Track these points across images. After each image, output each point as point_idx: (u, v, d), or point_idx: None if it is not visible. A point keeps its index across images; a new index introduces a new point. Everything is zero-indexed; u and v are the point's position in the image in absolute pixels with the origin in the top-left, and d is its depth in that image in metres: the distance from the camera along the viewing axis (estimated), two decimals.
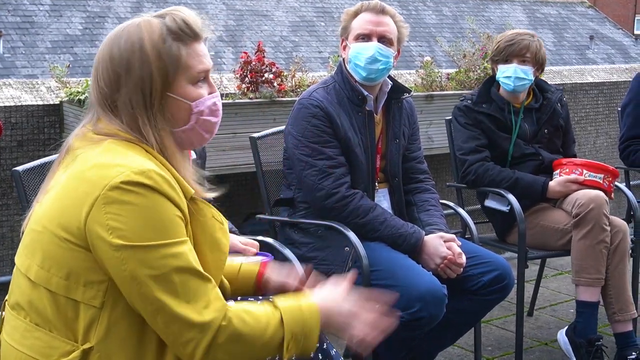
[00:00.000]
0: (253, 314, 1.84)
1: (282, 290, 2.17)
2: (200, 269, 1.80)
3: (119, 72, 1.85)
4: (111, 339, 1.77)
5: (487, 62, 4.13)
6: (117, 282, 1.75)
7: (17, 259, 1.88)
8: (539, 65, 3.88)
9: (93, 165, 1.77)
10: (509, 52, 3.83)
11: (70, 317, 1.77)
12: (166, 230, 1.74)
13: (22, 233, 1.92)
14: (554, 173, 3.84)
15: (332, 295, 1.98)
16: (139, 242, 1.72)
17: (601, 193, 3.66)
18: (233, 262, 2.23)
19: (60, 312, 1.78)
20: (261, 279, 2.22)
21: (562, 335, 3.78)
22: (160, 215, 1.74)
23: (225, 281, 2.13)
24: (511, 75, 3.82)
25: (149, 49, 1.85)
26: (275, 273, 2.24)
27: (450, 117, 4.05)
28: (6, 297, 1.94)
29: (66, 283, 1.77)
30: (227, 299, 1.89)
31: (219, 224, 1.94)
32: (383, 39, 3.19)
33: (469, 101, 3.91)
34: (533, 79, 3.88)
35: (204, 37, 1.94)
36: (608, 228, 3.60)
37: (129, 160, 1.77)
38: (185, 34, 1.90)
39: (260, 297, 2.15)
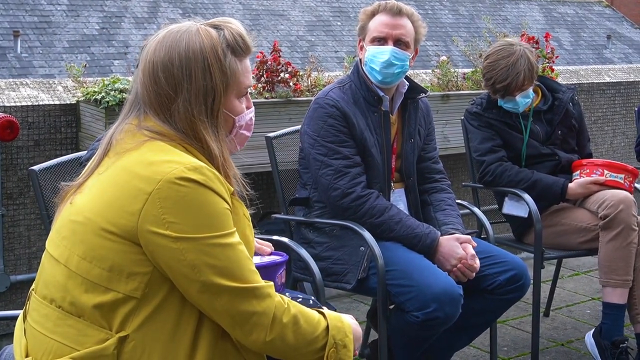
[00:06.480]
0: (306, 310, 1.92)
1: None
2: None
3: (180, 78, 1.87)
4: (147, 329, 1.79)
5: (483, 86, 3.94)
6: (172, 273, 1.78)
7: (52, 249, 1.89)
8: (535, 77, 3.81)
9: (144, 161, 1.81)
10: (509, 91, 3.74)
11: (107, 306, 1.79)
12: (219, 222, 1.81)
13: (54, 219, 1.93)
14: (574, 174, 3.82)
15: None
16: (196, 234, 1.77)
17: (629, 194, 3.65)
18: None
19: (97, 302, 1.79)
20: None
21: (589, 338, 3.74)
22: (213, 209, 1.80)
23: None
24: (516, 106, 3.79)
25: (212, 61, 1.89)
26: None
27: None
28: (32, 286, 1.96)
29: (109, 274, 1.79)
30: None
31: (248, 221, 2.00)
32: (399, 42, 3.18)
33: (479, 106, 3.89)
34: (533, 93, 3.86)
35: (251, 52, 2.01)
36: (637, 229, 3.58)
37: (180, 157, 1.82)
38: (240, 49, 1.96)
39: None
